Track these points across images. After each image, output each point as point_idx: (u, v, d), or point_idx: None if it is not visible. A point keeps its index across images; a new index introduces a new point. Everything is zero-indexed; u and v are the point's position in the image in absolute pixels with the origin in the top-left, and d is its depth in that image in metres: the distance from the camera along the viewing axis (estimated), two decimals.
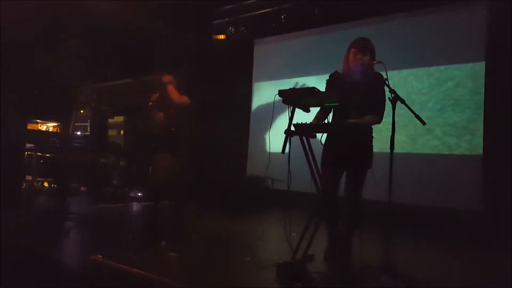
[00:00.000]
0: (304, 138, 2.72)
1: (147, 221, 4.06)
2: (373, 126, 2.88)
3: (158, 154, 3.66)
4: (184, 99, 3.64)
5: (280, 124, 2.78)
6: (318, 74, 5.80)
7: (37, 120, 6.94)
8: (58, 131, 6.92)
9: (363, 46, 2.82)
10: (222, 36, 7.02)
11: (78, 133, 6.66)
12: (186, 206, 3.82)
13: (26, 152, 5.67)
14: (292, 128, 2.63)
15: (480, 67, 4.83)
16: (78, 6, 5.35)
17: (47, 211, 4.55)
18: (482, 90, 4.78)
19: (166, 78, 3.68)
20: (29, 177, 6.40)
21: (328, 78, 2.99)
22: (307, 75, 6.20)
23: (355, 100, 2.63)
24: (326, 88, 2.94)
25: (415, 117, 2.58)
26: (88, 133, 6.67)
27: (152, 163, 3.77)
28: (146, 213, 5.44)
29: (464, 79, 4.94)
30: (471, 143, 4.81)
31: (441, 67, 5.12)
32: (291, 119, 2.63)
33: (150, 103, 3.77)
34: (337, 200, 2.86)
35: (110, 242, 3.37)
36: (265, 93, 6.83)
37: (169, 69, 3.85)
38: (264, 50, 7.00)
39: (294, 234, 2.70)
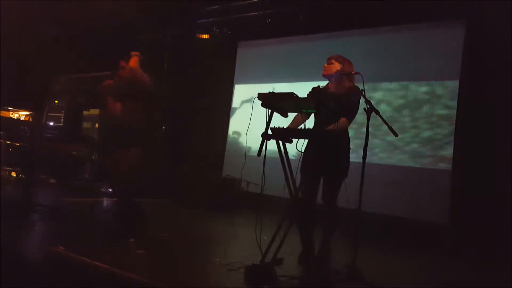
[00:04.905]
0: (280, 142, 2.74)
1: (116, 217, 3.96)
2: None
3: (120, 149, 3.35)
4: (148, 81, 3.19)
5: (258, 127, 2.78)
6: (299, 81, 5.85)
7: (9, 108, 6.70)
8: (30, 120, 6.71)
9: (328, 59, 3.00)
10: (206, 36, 6.98)
11: (51, 123, 6.48)
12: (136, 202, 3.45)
13: None
14: (269, 132, 2.65)
15: (454, 84, 4.99)
16: None
17: (12, 201, 4.39)
18: (455, 107, 4.94)
19: (134, 52, 3.24)
20: None
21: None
22: (288, 81, 6.24)
23: (332, 107, 2.68)
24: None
25: (389, 128, 2.64)
26: (62, 124, 6.49)
27: (114, 157, 3.45)
28: (116, 209, 5.32)
29: (438, 96, 5.09)
30: (441, 157, 4.96)
31: (417, 83, 5.26)
32: (268, 122, 2.65)
33: (100, 90, 3.33)
34: (314, 205, 2.92)
35: (76, 237, 3.29)
36: (245, 96, 6.83)
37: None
38: (248, 53, 7.00)
39: (265, 237, 2.71)
